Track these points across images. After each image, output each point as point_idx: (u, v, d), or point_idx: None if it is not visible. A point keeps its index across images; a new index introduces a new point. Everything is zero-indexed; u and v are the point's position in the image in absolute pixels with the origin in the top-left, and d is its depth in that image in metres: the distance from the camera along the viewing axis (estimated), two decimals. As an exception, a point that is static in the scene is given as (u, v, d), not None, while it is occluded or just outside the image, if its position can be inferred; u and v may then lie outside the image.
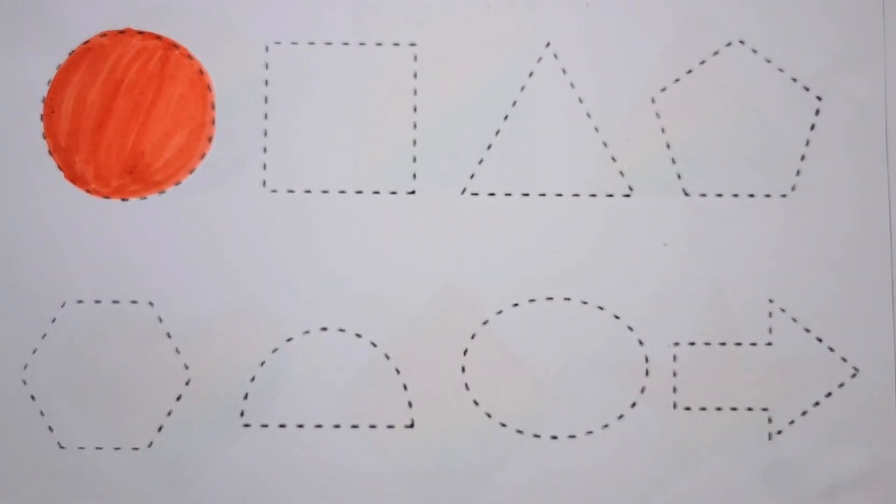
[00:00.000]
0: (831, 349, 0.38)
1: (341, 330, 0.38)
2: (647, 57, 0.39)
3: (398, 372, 0.38)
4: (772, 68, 0.38)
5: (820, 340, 0.38)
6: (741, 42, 0.38)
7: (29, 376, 0.38)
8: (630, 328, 0.38)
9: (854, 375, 0.37)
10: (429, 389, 0.38)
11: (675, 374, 0.38)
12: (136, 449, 0.38)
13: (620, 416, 0.38)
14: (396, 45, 0.38)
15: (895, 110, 0.38)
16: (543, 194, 0.38)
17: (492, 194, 0.38)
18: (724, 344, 0.38)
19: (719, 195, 0.38)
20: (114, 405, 0.38)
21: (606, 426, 0.38)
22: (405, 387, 0.38)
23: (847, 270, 0.38)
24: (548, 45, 0.39)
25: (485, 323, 0.38)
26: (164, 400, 0.38)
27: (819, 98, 0.38)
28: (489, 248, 0.38)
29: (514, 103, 0.39)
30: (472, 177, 0.38)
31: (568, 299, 0.38)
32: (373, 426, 0.38)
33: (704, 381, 0.38)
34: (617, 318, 0.38)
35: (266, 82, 0.38)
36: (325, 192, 0.38)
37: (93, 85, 0.38)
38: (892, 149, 0.38)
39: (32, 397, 0.38)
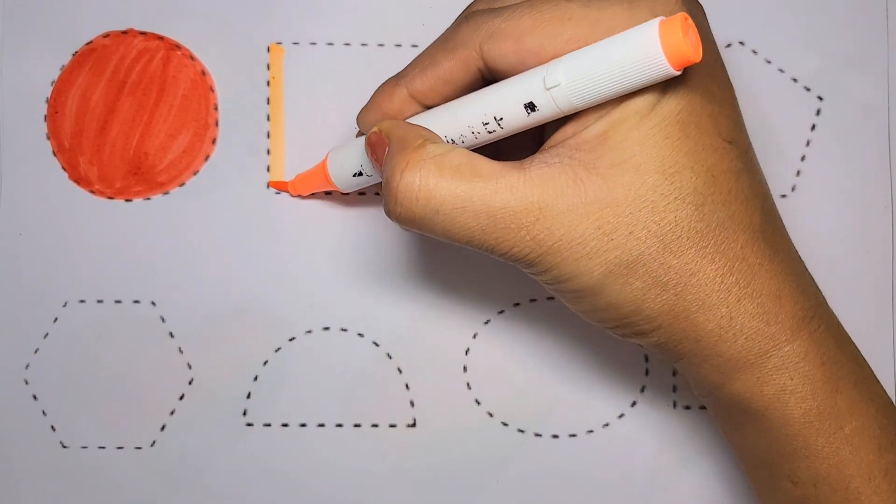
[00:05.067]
0: (830, 348, 0.38)
1: (343, 329, 0.38)
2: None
3: (400, 371, 0.38)
4: (772, 69, 0.38)
5: (819, 340, 0.38)
6: (741, 43, 0.38)
7: (31, 376, 0.38)
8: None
9: (853, 374, 0.38)
10: (431, 389, 0.38)
11: (674, 374, 0.38)
12: (139, 448, 0.38)
13: (621, 416, 0.38)
14: (398, 45, 0.39)
15: None
16: (545, 195, 0.38)
17: (493, 195, 0.38)
18: (724, 343, 0.38)
19: (719, 196, 0.38)
20: (116, 405, 0.38)
21: (607, 425, 0.38)
22: (407, 386, 0.38)
23: (847, 270, 0.38)
24: (549, 46, 0.39)
25: (486, 323, 0.38)
26: (167, 399, 0.38)
27: (820, 98, 0.38)
28: (491, 249, 0.38)
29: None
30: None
31: (569, 299, 0.38)
32: (375, 425, 0.38)
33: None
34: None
35: (268, 83, 0.39)
36: (327, 192, 0.38)
37: (96, 86, 0.38)
38: (894, 149, 0.38)
39: (35, 397, 0.38)
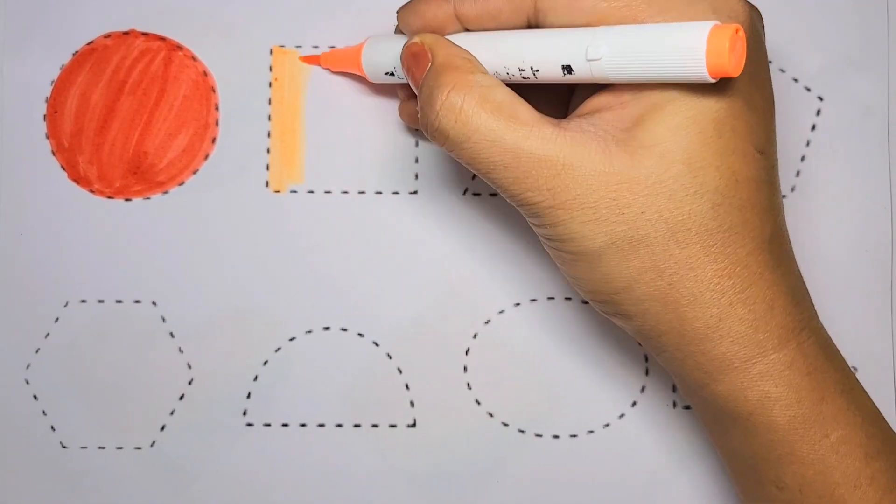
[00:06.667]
0: (831, 349, 0.38)
1: (343, 329, 0.38)
2: (647, 59, 0.39)
3: (400, 371, 0.38)
4: (773, 69, 0.38)
5: (819, 340, 0.38)
6: (741, 44, 0.38)
7: (31, 376, 0.38)
8: (631, 328, 0.38)
9: (853, 375, 0.38)
10: (431, 389, 0.38)
11: (675, 374, 0.38)
12: (139, 448, 0.38)
13: (621, 416, 0.38)
14: (399, 46, 0.39)
15: (896, 111, 0.38)
16: (545, 195, 0.38)
17: (493, 195, 0.38)
18: (724, 343, 0.38)
19: (719, 196, 0.38)
20: (116, 405, 0.38)
21: (607, 425, 0.38)
22: (407, 386, 0.38)
23: (847, 271, 0.38)
24: (549, 46, 0.39)
25: (487, 322, 0.38)
26: (167, 399, 0.38)
27: (820, 98, 0.38)
28: (491, 248, 0.38)
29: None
30: (473, 178, 0.39)
31: (569, 299, 0.38)
32: (375, 425, 0.38)
33: (705, 380, 0.38)
34: (618, 318, 0.38)
35: (270, 84, 0.39)
36: (327, 192, 0.38)
37: (96, 85, 0.38)
38: (894, 149, 0.38)
39: (35, 397, 0.38)
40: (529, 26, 0.30)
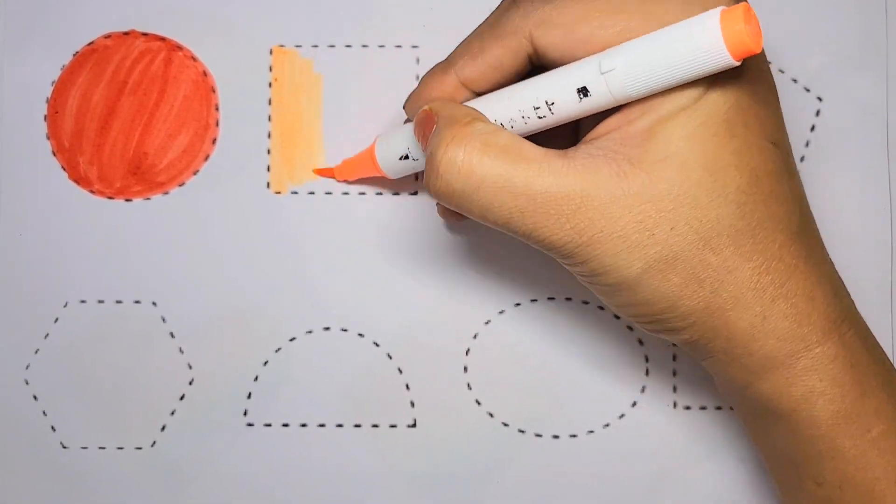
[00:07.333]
0: (830, 349, 0.38)
1: (344, 330, 0.38)
2: (647, 59, 0.39)
3: (400, 371, 0.38)
4: (772, 69, 0.38)
5: (819, 340, 0.38)
6: (741, 44, 0.38)
7: (31, 376, 0.38)
8: (630, 328, 0.38)
9: (853, 375, 0.38)
10: (431, 389, 0.38)
11: (674, 374, 0.38)
12: (140, 448, 0.38)
13: (621, 416, 0.38)
14: (399, 47, 0.39)
15: None
16: (545, 195, 0.38)
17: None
18: (724, 343, 0.38)
19: (719, 196, 0.38)
20: (117, 405, 0.38)
21: (607, 425, 0.38)
22: (407, 386, 0.38)
23: (847, 271, 0.38)
24: (549, 47, 0.39)
25: (487, 322, 0.38)
26: (168, 399, 0.38)
27: (819, 99, 0.38)
28: (491, 248, 0.38)
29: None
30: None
31: (569, 299, 0.38)
32: (375, 426, 0.38)
33: (704, 380, 0.38)
34: (617, 317, 0.38)
35: (270, 84, 0.39)
36: (328, 193, 0.38)
37: (97, 86, 0.38)
38: (893, 150, 0.38)
39: (35, 397, 0.38)
40: (533, 66, 0.29)
